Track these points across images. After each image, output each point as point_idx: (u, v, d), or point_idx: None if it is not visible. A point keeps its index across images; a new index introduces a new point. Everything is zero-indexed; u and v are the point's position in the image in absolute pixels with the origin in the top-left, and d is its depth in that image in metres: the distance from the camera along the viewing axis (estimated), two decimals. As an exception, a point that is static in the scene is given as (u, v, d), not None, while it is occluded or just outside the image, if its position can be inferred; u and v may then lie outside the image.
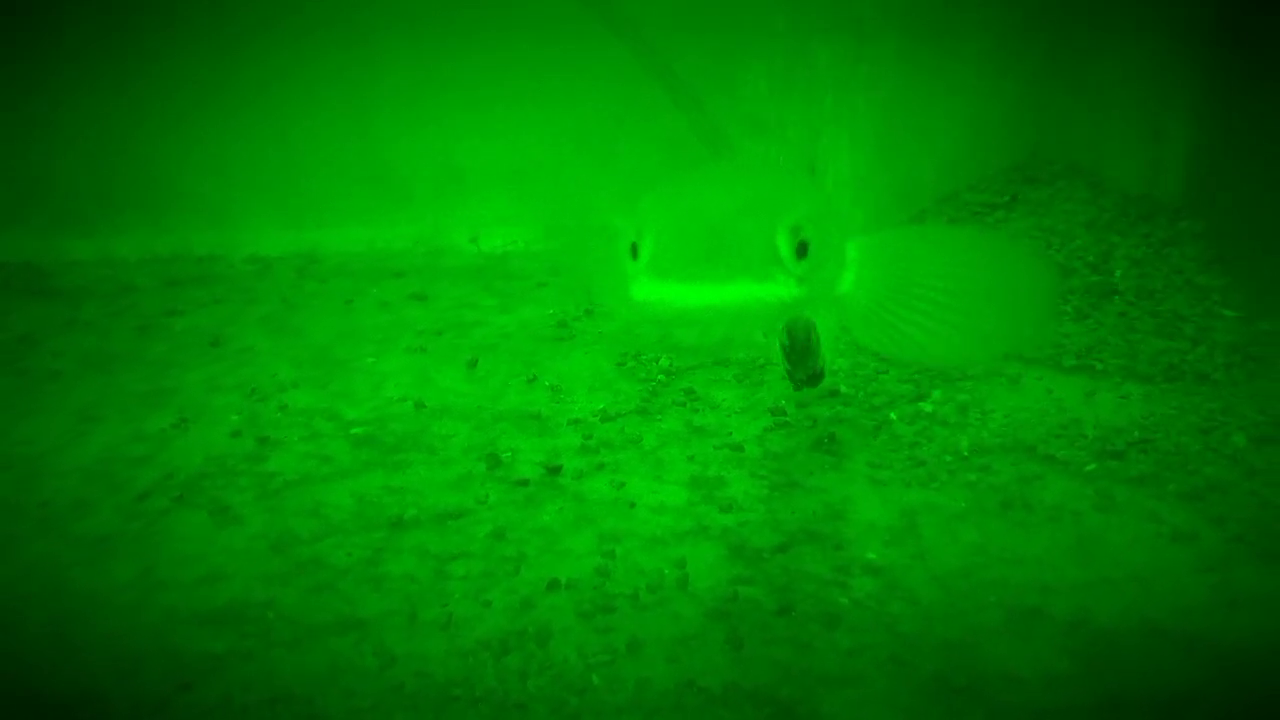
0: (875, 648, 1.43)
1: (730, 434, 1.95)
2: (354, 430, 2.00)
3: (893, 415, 1.98)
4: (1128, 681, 1.40)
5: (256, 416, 2.05)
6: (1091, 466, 1.83)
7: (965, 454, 1.86)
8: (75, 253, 2.73)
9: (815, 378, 1.73)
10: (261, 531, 1.71)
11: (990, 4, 2.70)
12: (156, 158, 2.77)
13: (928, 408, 2.00)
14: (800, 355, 1.70)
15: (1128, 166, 2.72)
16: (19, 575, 1.61)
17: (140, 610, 1.53)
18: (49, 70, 2.68)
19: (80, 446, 1.95)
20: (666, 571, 1.59)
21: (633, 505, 1.76)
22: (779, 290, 1.07)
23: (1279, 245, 2.35)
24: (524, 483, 1.83)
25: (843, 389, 2.06)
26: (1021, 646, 1.44)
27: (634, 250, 1.09)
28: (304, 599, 1.56)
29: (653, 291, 1.06)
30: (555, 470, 1.85)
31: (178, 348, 2.32)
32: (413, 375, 2.21)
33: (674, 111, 2.48)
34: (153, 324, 2.42)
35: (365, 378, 2.20)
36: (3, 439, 1.96)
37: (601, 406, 2.05)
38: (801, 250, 1.10)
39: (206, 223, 2.80)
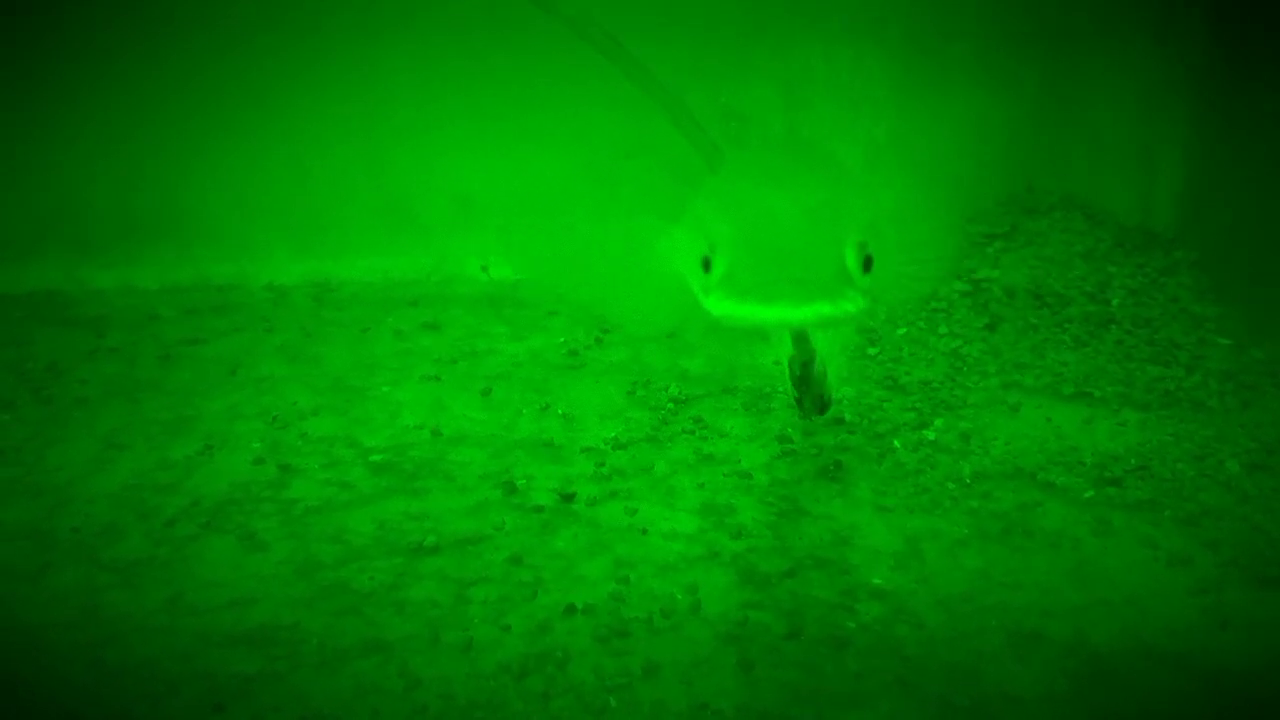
0: (882, 670, 1.49)
1: (739, 461, 2.01)
2: (373, 457, 2.06)
3: (897, 443, 2.04)
4: (1122, 702, 1.46)
5: (278, 444, 2.11)
6: (1090, 493, 1.89)
7: (967, 481, 1.92)
8: (97, 282, 2.79)
9: (823, 406, 1.80)
10: (287, 557, 1.77)
11: (985, 38, 2.78)
12: (177, 190, 2.84)
13: (930, 435, 2.06)
14: (808, 384, 1.77)
15: (1123, 198, 2.79)
16: (54, 599, 1.66)
17: (172, 634, 1.59)
18: (74, 106, 2.76)
19: (108, 473, 2.01)
20: (679, 597, 1.65)
21: (645, 532, 1.81)
22: (849, 306, 1.12)
23: (1270, 275, 2.42)
24: (539, 509, 1.88)
25: (847, 417, 2.12)
26: (1022, 668, 1.50)
27: (705, 264, 1.14)
28: (330, 622, 1.61)
29: (730, 308, 1.11)
30: (569, 497, 1.91)
31: (199, 376, 2.38)
32: (428, 403, 2.27)
33: (681, 143, 2.56)
34: (175, 352, 2.49)
35: (382, 406, 2.26)
36: (34, 466, 2.02)
37: (613, 434, 2.11)
38: (867, 265, 1.16)
39: (225, 253, 2.86)
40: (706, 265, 1.16)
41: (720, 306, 1.14)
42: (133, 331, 2.58)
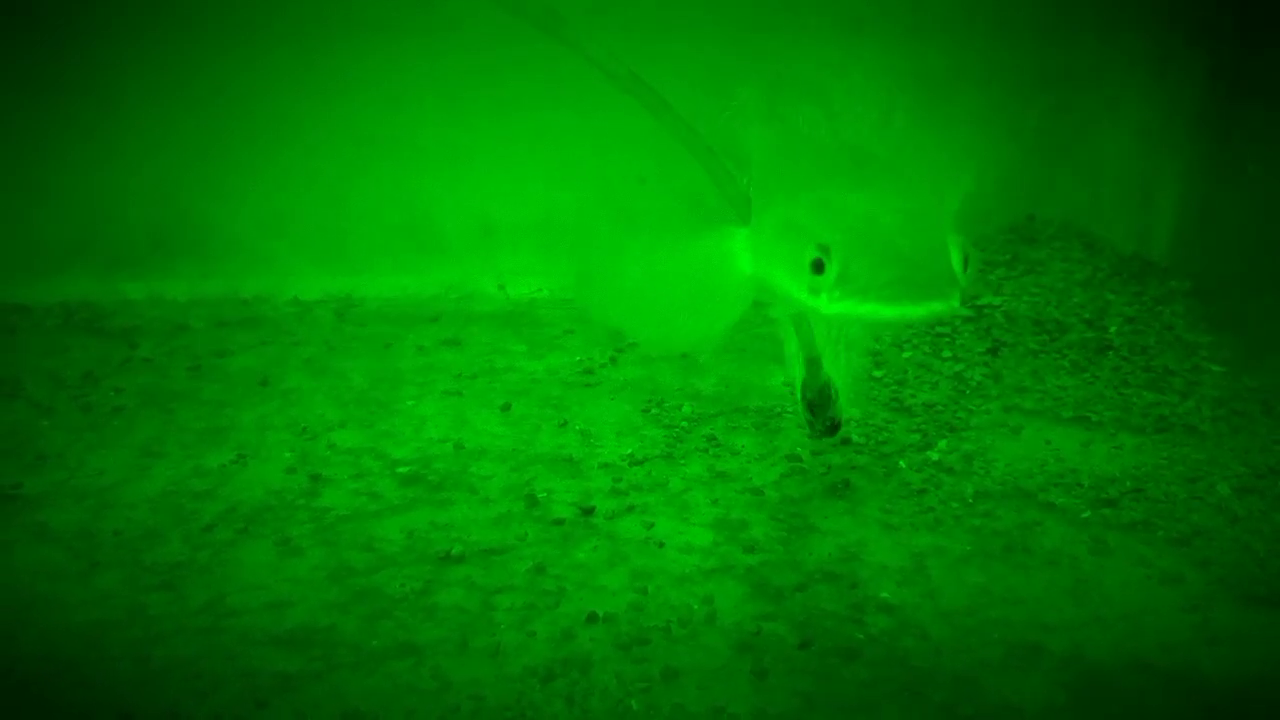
0: (889, 680, 1.57)
1: (750, 479, 2.10)
2: (400, 469, 2.14)
3: (902, 463, 2.13)
4: (1117, 714, 1.54)
5: (308, 454, 2.19)
6: (1087, 514, 1.98)
7: (970, 500, 2.01)
8: (129, 293, 2.89)
9: (833, 427, 1.89)
10: (321, 563, 1.85)
11: (989, 71, 2.88)
12: (206, 205, 2.94)
13: (934, 456, 2.15)
14: (820, 406, 1.86)
15: (1120, 228, 2.89)
16: (101, 599, 1.75)
17: (215, 633, 1.67)
18: (108, 123, 2.85)
19: (146, 479, 2.09)
20: (695, 607, 1.73)
21: (662, 545, 1.90)
22: (956, 303, 1.21)
23: (1261, 304, 2.52)
24: (560, 522, 1.97)
25: (854, 438, 2.21)
26: (1022, 680, 1.59)
27: (818, 266, 1.22)
28: (364, 625, 1.70)
29: (849, 307, 1.20)
30: (589, 511, 1.99)
31: (229, 387, 2.47)
32: (451, 418, 2.35)
33: (694, 170, 2.66)
34: (205, 364, 2.57)
35: (407, 419, 2.34)
36: (77, 470, 2.11)
37: (629, 451, 2.20)
38: (965, 264, 1.25)
39: (252, 267, 2.95)
40: (819, 267, 1.23)
41: (838, 306, 1.21)
42: (164, 342, 2.67)
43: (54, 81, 2.78)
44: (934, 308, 1.19)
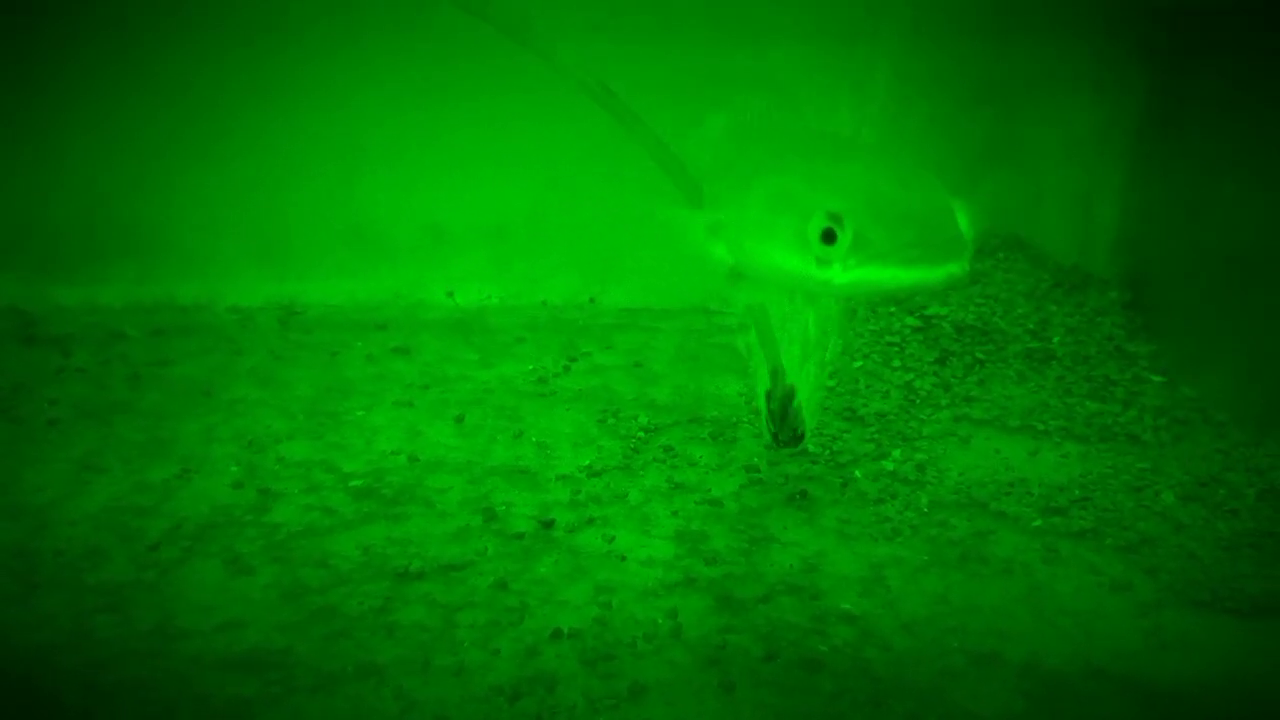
0: (854, 690, 1.59)
1: (709, 490, 2.10)
2: (353, 483, 2.10)
3: (858, 473, 2.15)
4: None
5: (256, 468, 2.14)
6: (1038, 522, 2.02)
7: (925, 510, 2.04)
8: (61, 299, 2.78)
9: (796, 438, 1.90)
10: (273, 581, 1.81)
11: (933, 84, 2.92)
12: (141, 208, 2.85)
13: (889, 466, 2.17)
14: (784, 417, 1.87)
15: (1062, 240, 2.96)
16: (42, 622, 1.68)
17: (165, 656, 1.62)
18: (39, 119, 2.75)
19: (86, 496, 2.02)
20: (660, 621, 1.72)
21: (624, 559, 1.89)
22: (968, 267, 1.21)
23: (1197, 316, 2.60)
24: (520, 536, 1.95)
25: (810, 448, 2.22)
26: (982, 688, 1.61)
27: (828, 235, 1.20)
28: (321, 646, 1.66)
29: (865, 274, 1.19)
30: (549, 524, 1.98)
31: (170, 397, 2.40)
32: (403, 429, 2.32)
33: (651, 170, 2.66)
34: (144, 373, 2.49)
35: (357, 431, 2.30)
36: (11, 487, 2.02)
37: (587, 462, 2.18)
38: (970, 229, 1.25)
39: (190, 273, 2.87)
40: (830, 236, 1.21)
41: (852, 274, 1.20)
42: (100, 351, 2.58)
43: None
44: (950, 270, 1.19)
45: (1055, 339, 2.66)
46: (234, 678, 1.58)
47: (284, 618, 1.72)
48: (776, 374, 1.79)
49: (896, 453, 2.23)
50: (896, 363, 2.57)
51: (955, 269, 1.19)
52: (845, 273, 1.21)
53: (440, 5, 2.25)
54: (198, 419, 2.31)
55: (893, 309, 2.74)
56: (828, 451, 2.22)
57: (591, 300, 3.01)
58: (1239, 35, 2.44)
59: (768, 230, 1.32)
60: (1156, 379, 2.53)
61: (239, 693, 1.55)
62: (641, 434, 2.30)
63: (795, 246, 1.25)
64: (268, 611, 1.73)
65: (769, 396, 1.83)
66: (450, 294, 2.99)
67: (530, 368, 2.60)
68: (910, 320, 2.70)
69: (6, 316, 2.70)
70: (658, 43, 2.69)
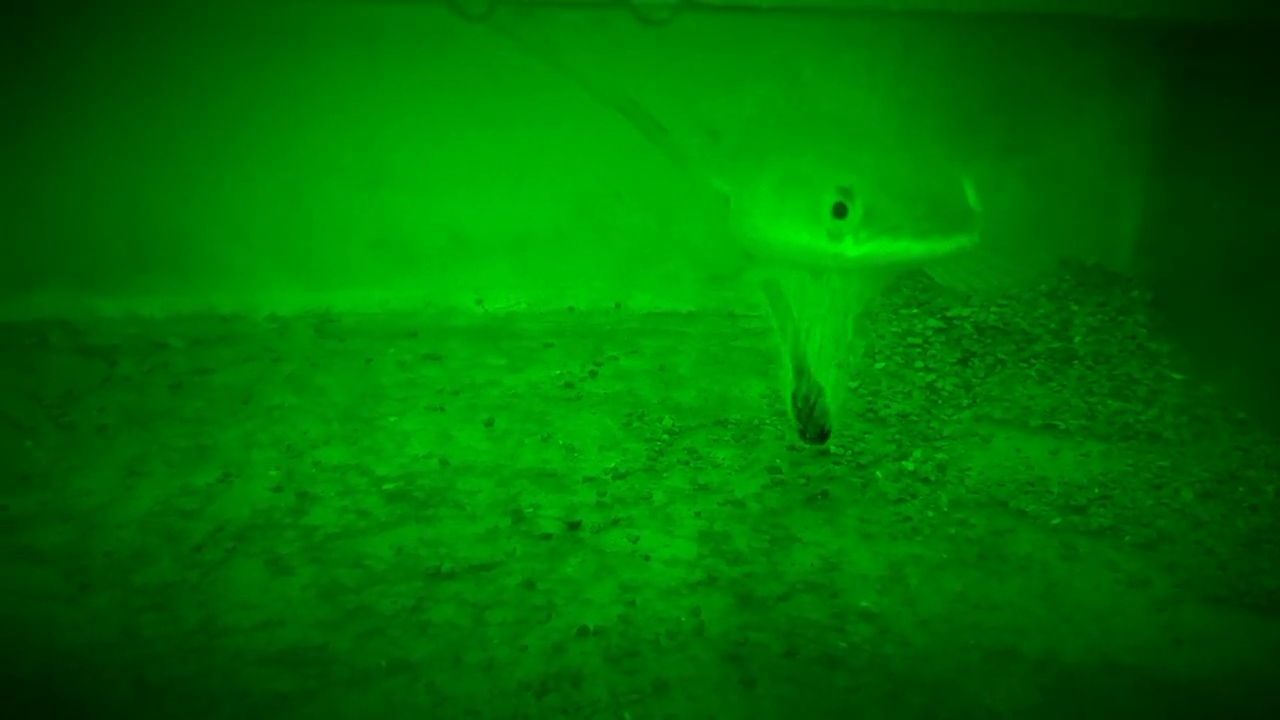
0: (872, 686, 1.63)
1: (732, 491, 2.15)
2: (386, 486, 2.17)
3: (878, 474, 2.19)
4: (1088, 715, 1.61)
5: (294, 472, 2.21)
6: (1057, 520, 2.05)
7: (945, 509, 2.07)
8: (104, 310, 2.88)
9: (823, 434, 1.94)
10: (311, 581, 1.88)
11: (952, 86, 2.95)
12: (182, 222, 2.94)
13: (910, 466, 2.21)
14: (811, 415, 1.91)
15: (1084, 240, 2.98)
16: (93, 620, 1.76)
17: (209, 653, 1.69)
18: (81, 137, 2.84)
19: (133, 499, 2.10)
20: (683, 619, 1.78)
21: (648, 558, 1.94)
22: (977, 237, 1.24)
23: (1218, 314, 2.61)
24: (547, 537, 2.00)
25: (832, 449, 2.27)
26: (998, 683, 1.65)
27: (839, 209, 1.24)
28: (357, 643, 1.72)
29: (879, 245, 1.23)
30: (575, 525, 2.03)
31: (211, 404, 2.48)
32: (434, 434, 2.38)
33: (670, 185, 2.71)
34: (185, 381, 2.58)
35: (390, 436, 2.37)
36: (62, 491, 2.11)
37: (612, 465, 2.24)
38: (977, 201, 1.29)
39: (229, 283, 2.96)
40: (841, 211, 1.24)
41: (864, 246, 1.23)
42: (143, 360, 2.67)
43: (23, 95, 2.77)
44: (960, 241, 1.23)
45: (1077, 338, 2.68)
46: (273, 673, 1.65)
47: (321, 616, 1.79)
48: (801, 372, 1.84)
49: (917, 453, 2.26)
50: (919, 364, 2.61)
51: (965, 240, 1.23)
52: (858, 245, 1.24)
53: (465, 23, 2.31)
54: (238, 425, 2.39)
55: (915, 310, 2.78)
56: (849, 453, 2.26)
57: (617, 305, 3.06)
58: (1256, 43, 2.45)
59: (779, 209, 1.36)
60: (1178, 377, 2.54)
61: (278, 688, 1.61)
62: (666, 437, 2.35)
63: (809, 222, 1.29)
64: (306, 610, 1.80)
65: (794, 395, 1.88)
66: (479, 301, 3.06)
67: (557, 373, 2.66)
68: (933, 321, 2.74)
69: (55, 328, 2.80)
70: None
